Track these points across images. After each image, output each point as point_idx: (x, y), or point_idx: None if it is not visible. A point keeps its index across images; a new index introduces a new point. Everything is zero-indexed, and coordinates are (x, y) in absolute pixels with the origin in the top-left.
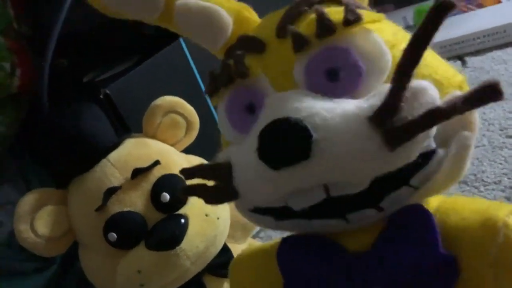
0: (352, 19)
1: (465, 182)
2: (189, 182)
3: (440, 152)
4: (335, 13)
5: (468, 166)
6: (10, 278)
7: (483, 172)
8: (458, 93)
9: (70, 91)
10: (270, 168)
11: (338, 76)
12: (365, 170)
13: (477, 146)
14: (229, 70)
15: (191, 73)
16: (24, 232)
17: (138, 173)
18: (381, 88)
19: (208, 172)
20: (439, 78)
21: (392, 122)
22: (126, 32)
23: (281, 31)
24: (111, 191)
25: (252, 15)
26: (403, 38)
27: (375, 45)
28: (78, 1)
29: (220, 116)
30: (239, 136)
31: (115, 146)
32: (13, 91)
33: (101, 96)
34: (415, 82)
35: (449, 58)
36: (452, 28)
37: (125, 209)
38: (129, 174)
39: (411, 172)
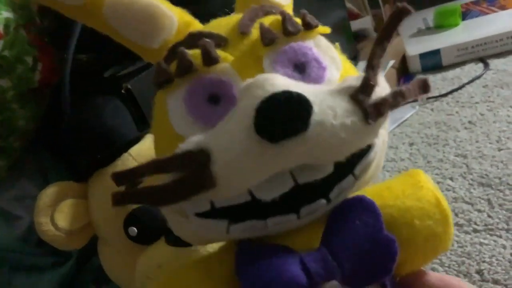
0: (313, 24)
1: (489, 185)
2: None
3: (376, 141)
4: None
5: None
6: (27, 272)
7: (508, 175)
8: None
9: (92, 85)
10: (268, 141)
11: (305, 70)
12: (348, 144)
13: (501, 149)
14: (187, 60)
15: None
16: (44, 224)
17: None
18: (348, 80)
19: (177, 162)
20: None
21: (369, 100)
22: None
23: (244, 28)
24: None
25: (194, 20)
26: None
27: (329, 47)
28: None
29: (173, 107)
30: (202, 127)
31: (136, 140)
32: (34, 85)
33: (123, 91)
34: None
35: (471, 60)
36: (474, 29)
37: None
38: None
39: (357, 160)
